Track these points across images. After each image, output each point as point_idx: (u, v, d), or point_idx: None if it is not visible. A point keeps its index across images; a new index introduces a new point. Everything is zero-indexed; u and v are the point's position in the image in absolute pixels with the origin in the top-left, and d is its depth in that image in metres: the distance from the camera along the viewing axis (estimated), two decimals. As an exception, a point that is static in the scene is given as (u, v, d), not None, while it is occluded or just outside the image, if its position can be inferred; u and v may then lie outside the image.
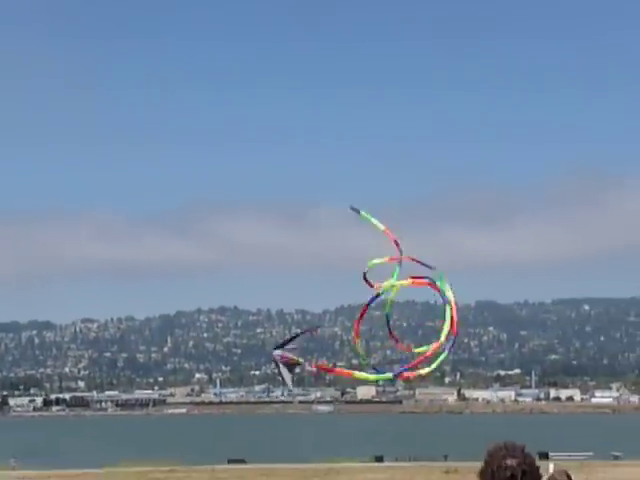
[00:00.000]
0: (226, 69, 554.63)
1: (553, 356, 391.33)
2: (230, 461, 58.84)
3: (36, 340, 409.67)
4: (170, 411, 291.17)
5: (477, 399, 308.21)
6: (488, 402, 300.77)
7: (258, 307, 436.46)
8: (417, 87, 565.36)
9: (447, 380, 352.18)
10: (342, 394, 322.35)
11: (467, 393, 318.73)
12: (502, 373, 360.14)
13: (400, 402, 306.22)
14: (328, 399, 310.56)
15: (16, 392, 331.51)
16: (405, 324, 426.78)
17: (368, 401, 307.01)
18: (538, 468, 4.96)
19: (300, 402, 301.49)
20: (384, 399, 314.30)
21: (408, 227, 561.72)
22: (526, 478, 4.89)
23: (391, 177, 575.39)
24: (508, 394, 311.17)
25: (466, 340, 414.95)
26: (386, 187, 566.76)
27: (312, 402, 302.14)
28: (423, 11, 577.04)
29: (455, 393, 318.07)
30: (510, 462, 4.89)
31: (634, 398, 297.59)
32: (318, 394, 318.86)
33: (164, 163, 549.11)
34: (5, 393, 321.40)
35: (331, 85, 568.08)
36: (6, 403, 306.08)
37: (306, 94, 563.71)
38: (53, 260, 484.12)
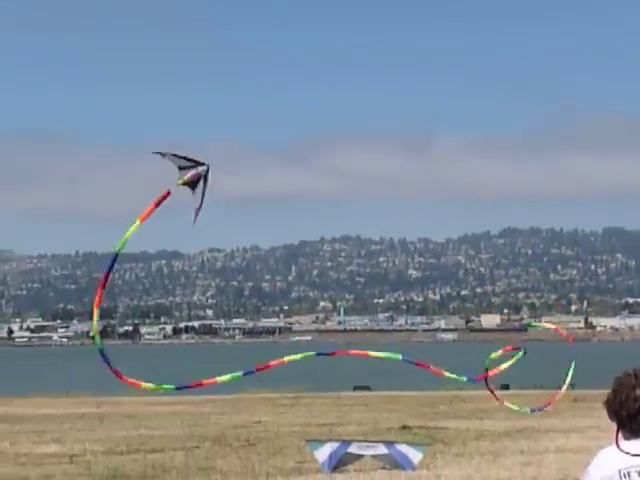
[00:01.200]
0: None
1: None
2: (356, 388, 59.44)
3: (165, 269, 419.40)
4: (296, 338, 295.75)
5: (605, 327, 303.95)
6: (616, 330, 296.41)
7: (381, 236, 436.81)
8: (539, 15, 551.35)
9: (574, 308, 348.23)
10: (466, 322, 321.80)
11: (594, 321, 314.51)
12: (630, 300, 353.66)
13: (525, 330, 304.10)
14: (452, 327, 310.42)
15: (147, 320, 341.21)
16: (530, 251, 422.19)
17: (493, 329, 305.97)
18: None
19: (424, 330, 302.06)
20: (509, 327, 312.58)
21: (533, 155, 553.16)
22: None
23: (515, 105, 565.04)
24: (637, 321, 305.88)
25: (593, 267, 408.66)
26: (511, 115, 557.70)
27: (436, 330, 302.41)
28: None
29: (582, 321, 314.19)
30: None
31: None
32: (442, 322, 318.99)
33: (286, 95, 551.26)
34: (136, 322, 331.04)
35: (451, 16, 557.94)
36: (137, 331, 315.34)
37: (425, 26, 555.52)
38: (180, 190, 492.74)
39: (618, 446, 4.54)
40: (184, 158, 12.51)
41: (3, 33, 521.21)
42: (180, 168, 12.51)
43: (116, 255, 14.22)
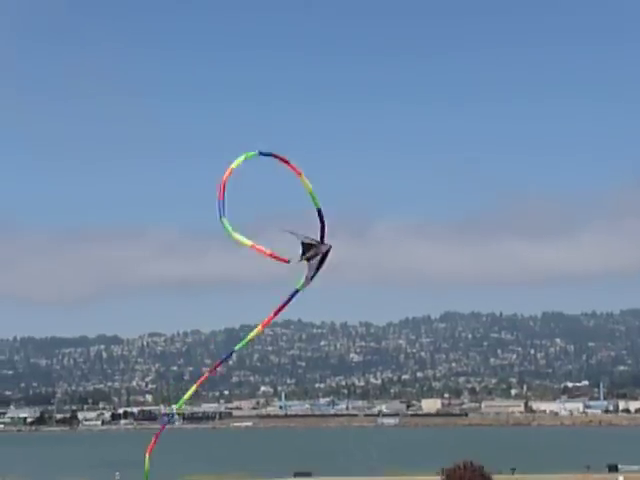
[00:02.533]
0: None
1: (622, 367, 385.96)
2: (296, 474, 58.99)
3: (104, 354, 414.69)
4: (236, 424, 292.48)
5: (545, 411, 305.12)
6: (556, 414, 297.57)
7: (322, 320, 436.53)
8: (473, 100, 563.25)
9: (513, 392, 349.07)
10: (407, 407, 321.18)
11: (534, 405, 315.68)
12: (570, 385, 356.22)
13: (466, 415, 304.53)
14: (393, 412, 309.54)
15: (85, 406, 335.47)
16: (470, 336, 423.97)
17: (434, 414, 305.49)
18: None
19: (365, 415, 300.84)
20: (450, 411, 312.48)
21: (472, 240, 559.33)
22: None
23: (452, 190, 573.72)
24: (576, 406, 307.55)
25: (532, 352, 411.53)
26: (447, 200, 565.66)
27: (377, 415, 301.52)
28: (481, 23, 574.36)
29: (522, 405, 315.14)
30: None
31: None
32: (383, 407, 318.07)
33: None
34: (74, 407, 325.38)
35: (393, 98, 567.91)
36: (75, 417, 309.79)
37: (373, 107, 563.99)
38: (119, 276, 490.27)
39: None
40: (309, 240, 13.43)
41: None
42: (303, 245, 13.29)
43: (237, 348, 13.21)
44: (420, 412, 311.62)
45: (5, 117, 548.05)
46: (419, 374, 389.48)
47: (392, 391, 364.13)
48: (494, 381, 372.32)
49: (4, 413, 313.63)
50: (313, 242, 13.21)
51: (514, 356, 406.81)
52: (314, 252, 13.27)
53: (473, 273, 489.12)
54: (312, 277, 13.21)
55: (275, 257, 12.76)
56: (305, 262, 12.87)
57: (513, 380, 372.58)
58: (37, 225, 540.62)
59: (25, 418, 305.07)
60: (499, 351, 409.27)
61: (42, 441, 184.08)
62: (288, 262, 12.83)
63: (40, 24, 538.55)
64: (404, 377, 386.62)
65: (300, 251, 12.79)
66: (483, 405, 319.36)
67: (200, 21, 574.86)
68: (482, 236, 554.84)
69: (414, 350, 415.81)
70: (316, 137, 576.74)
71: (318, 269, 13.42)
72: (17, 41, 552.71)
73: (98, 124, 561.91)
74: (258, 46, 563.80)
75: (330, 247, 13.36)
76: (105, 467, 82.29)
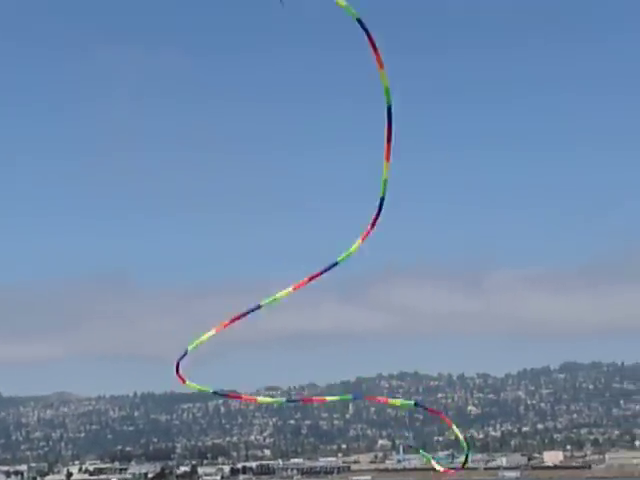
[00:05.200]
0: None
1: None
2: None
3: (222, 409, 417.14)
4: (354, 478, 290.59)
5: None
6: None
7: (439, 372, 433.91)
8: (593, 147, 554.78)
9: (638, 444, 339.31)
10: (529, 460, 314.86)
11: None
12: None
13: (589, 467, 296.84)
14: (514, 465, 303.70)
15: (204, 461, 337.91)
16: (592, 386, 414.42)
17: (556, 466, 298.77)
18: None
19: (485, 469, 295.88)
20: (573, 464, 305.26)
21: (591, 289, 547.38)
22: None
23: (569, 238, 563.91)
24: None
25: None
26: (563, 248, 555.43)
27: (498, 468, 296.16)
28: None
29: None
30: None
31: None
32: (504, 460, 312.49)
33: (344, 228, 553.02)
34: (194, 462, 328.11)
35: (503, 147, 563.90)
36: (195, 472, 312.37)
37: (484, 156, 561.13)
38: (236, 331, 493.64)
39: None
40: None
41: (51, 188, 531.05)
42: None
43: None
44: (542, 465, 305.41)
45: (120, 175, 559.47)
46: (539, 426, 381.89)
47: (512, 443, 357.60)
48: (617, 432, 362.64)
49: (126, 469, 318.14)
50: None
51: (638, 407, 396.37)
52: None
53: (592, 322, 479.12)
54: None
55: (320, 274, 13.20)
56: None
57: (638, 431, 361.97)
58: (154, 282, 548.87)
59: (146, 474, 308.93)
60: (622, 401, 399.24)
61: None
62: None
63: (155, 83, 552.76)
64: (524, 429, 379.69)
65: None
66: (607, 457, 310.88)
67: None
68: (601, 284, 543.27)
69: (534, 401, 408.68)
70: (433, 187, 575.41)
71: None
72: (133, 101, 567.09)
73: (214, 176, 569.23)
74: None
75: None
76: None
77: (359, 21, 14.12)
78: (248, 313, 15.03)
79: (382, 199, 14.64)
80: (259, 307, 15.30)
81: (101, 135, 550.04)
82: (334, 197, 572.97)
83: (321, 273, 13.53)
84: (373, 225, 14.11)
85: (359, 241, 14.13)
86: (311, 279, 13.49)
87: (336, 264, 13.59)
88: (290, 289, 13.49)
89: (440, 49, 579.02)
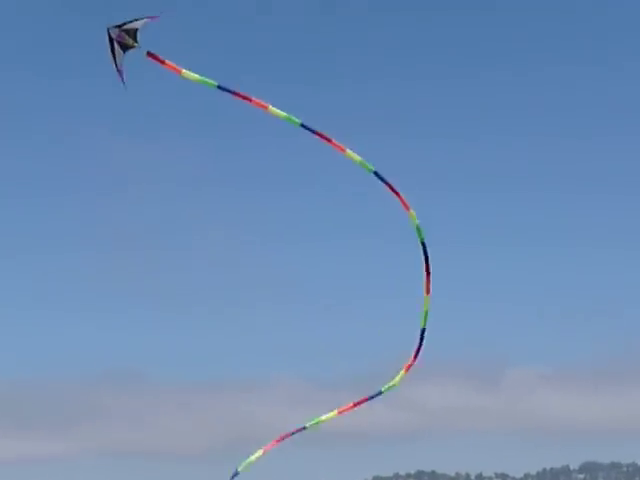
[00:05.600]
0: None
1: None
2: None
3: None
4: None
5: None
6: None
7: (456, 471, 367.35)
8: (609, 245, 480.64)
9: None
10: None
11: None
12: None
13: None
14: None
15: None
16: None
17: None
18: None
19: None
20: None
21: (609, 387, 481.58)
22: None
23: (589, 336, 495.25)
24: None
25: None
26: (584, 347, 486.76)
27: None
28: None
29: None
30: None
31: None
32: None
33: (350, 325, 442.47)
34: None
35: (521, 242, 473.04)
36: None
37: (496, 251, 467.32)
38: (245, 428, 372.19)
39: None
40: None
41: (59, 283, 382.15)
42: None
43: None
44: None
45: (132, 270, 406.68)
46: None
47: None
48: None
49: None
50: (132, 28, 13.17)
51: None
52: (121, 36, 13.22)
53: (612, 422, 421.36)
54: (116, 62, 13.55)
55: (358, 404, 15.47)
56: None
57: None
58: (167, 378, 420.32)
59: None
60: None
61: None
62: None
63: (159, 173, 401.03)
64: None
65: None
66: None
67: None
68: (621, 383, 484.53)
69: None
70: (448, 283, 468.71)
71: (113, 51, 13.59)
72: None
73: (221, 271, 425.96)
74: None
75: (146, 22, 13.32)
76: None
77: (376, 174, 15.61)
78: (293, 434, 16.70)
79: (423, 330, 15.89)
80: (304, 428, 16.98)
81: (106, 230, 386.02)
82: (351, 294, 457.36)
83: (365, 400, 15.07)
84: (416, 357, 15.57)
85: (402, 372, 15.53)
86: (355, 405, 15.08)
87: (380, 393, 15.19)
88: (334, 413, 14.96)
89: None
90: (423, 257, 15.66)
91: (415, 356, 15.62)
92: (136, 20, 13.13)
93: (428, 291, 15.57)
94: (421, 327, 15.62)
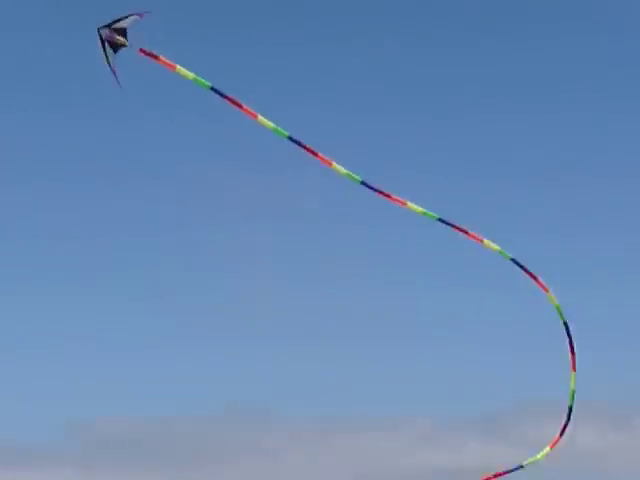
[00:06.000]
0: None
1: None
2: None
3: None
4: None
5: None
6: None
7: None
8: None
9: None
10: None
11: None
12: None
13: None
14: None
15: None
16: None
17: None
18: None
19: None
20: None
21: None
22: None
23: None
24: None
25: None
26: None
27: None
28: None
29: None
30: None
31: None
32: None
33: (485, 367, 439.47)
34: None
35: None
36: None
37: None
38: (374, 467, 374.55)
39: None
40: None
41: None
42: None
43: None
44: None
45: (258, 305, 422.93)
46: None
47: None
48: None
49: None
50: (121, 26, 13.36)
51: None
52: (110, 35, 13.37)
53: None
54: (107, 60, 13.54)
55: None
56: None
57: None
58: (295, 414, 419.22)
59: None
60: None
61: None
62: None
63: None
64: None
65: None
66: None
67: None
68: None
69: None
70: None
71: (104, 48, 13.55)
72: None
73: (358, 307, 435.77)
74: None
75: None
76: None
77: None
78: (510, 472, 16.39)
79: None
80: (521, 467, 16.59)
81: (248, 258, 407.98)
82: (482, 336, 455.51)
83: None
84: (562, 434, 15.29)
85: (548, 449, 15.33)
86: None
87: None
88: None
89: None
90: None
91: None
92: (125, 17, 13.31)
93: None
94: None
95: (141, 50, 13.29)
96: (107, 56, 13.27)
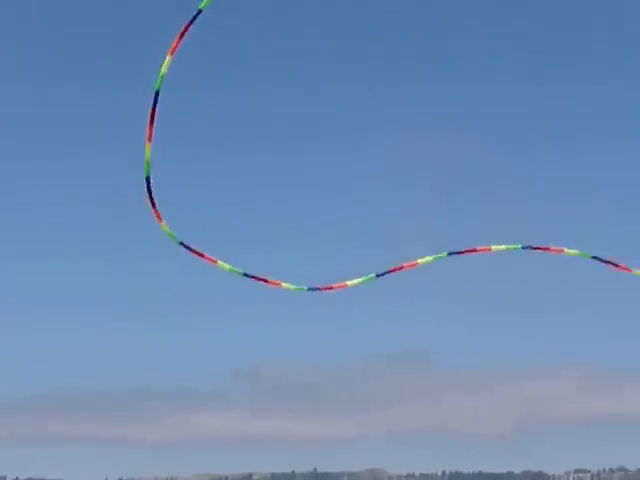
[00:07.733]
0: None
1: None
2: None
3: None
4: None
5: None
6: None
7: None
8: None
9: None
10: None
11: None
12: None
13: None
14: None
15: None
16: None
17: None
18: None
19: None
20: None
21: None
22: None
23: None
24: None
25: None
26: None
27: None
28: None
29: None
30: None
31: None
32: None
33: None
34: None
35: None
36: None
37: None
38: (543, 412, 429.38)
39: None
40: None
41: None
42: None
43: None
44: None
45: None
46: None
47: None
48: None
49: None
50: None
51: None
52: None
53: None
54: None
55: None
56: None
57: None
58: (456, 362, 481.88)
59: None
60: None
61: None
62: None
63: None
64: None
65: None
66: None
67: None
68: None
69: None
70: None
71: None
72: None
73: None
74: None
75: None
76: None
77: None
78: None
79: None
80: None
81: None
82: None
83: None
84: None
85: None
86: None
87: None
88: None
89: None
90: None
91: None
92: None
93: None
94: None
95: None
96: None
